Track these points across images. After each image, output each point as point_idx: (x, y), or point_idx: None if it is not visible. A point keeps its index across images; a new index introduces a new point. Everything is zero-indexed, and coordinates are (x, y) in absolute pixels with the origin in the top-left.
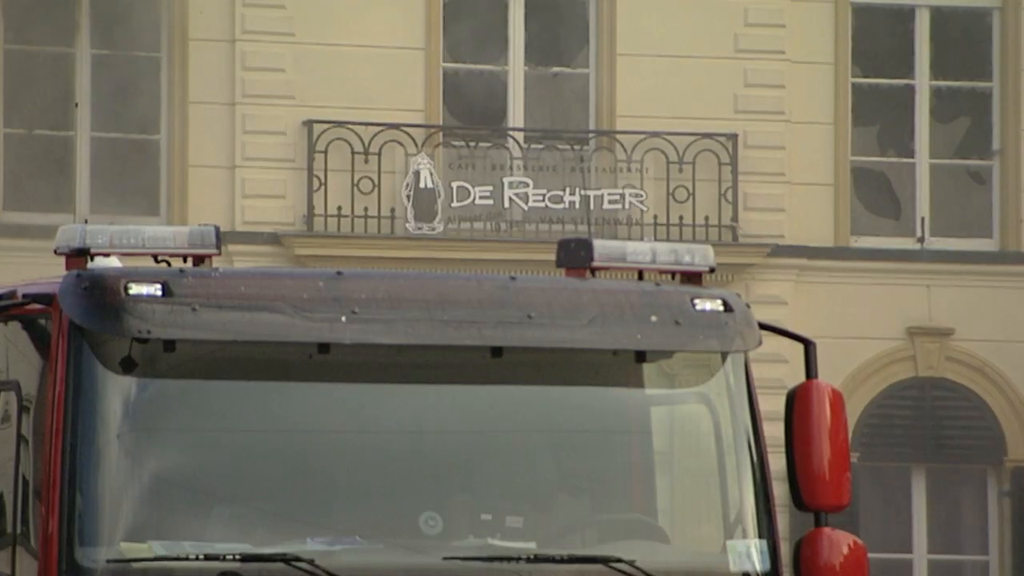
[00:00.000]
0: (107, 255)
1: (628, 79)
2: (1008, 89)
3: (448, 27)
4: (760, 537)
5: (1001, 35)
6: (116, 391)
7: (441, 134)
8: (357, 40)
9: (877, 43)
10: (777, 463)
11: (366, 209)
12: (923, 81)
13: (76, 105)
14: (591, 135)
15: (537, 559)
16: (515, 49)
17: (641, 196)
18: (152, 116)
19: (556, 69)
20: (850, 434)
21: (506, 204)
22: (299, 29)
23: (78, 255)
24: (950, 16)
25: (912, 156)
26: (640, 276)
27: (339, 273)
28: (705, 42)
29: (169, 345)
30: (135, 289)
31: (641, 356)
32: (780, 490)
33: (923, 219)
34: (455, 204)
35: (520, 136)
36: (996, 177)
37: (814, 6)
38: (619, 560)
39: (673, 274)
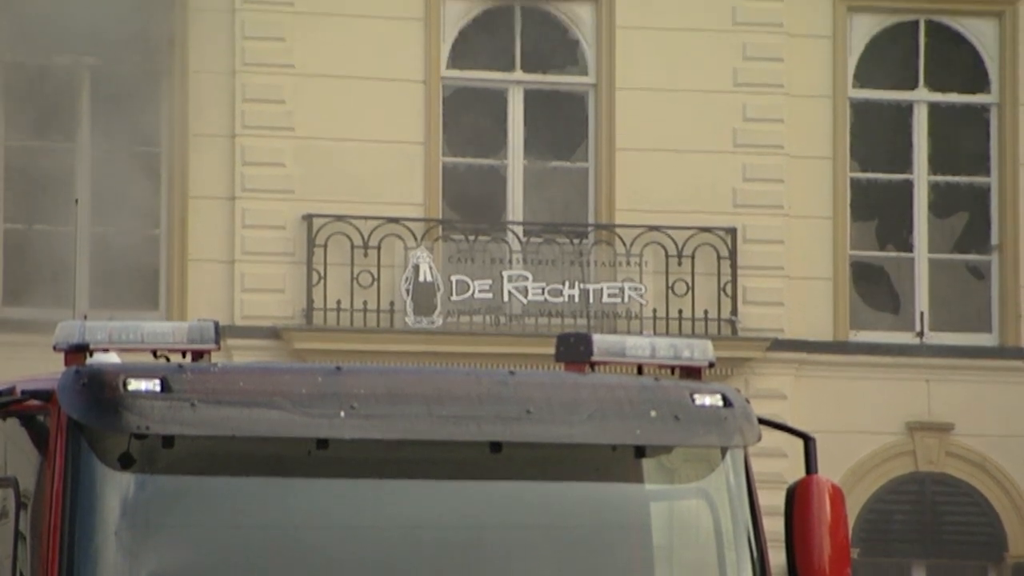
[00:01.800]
0: (106, 351)
1: (627, 173)
2: (1006, 184)
3: (448, 121)
4: None
5: (999, 131)
6: (114, 487)
7: (440, 227)
8: (357, 134)
9: (875, 138)
10: (777, 558)
11: (365, 303)
12: (921, 176)
13: (76, 201)
14: (590, 228)
15: None
16: (514, 143)
17: (640, 289)
18: (152, 210)
19: (555, 163)
20: (850, 529)
21: (505, 297)
22: (299, 123)
23: (77, 351)
24: (948, 111)
25: (911, 251)
26: (639, 371)
27: (338, 368)
28: (704, 136)
29: (168, 441)
30: (134, 385)
31: (640, 451)
32: None
33: (922, 314)
34: (454, 297)
35: (519, 229)
36: (995, 272)
37: (812, 101)
38: None
39: (672, 369)
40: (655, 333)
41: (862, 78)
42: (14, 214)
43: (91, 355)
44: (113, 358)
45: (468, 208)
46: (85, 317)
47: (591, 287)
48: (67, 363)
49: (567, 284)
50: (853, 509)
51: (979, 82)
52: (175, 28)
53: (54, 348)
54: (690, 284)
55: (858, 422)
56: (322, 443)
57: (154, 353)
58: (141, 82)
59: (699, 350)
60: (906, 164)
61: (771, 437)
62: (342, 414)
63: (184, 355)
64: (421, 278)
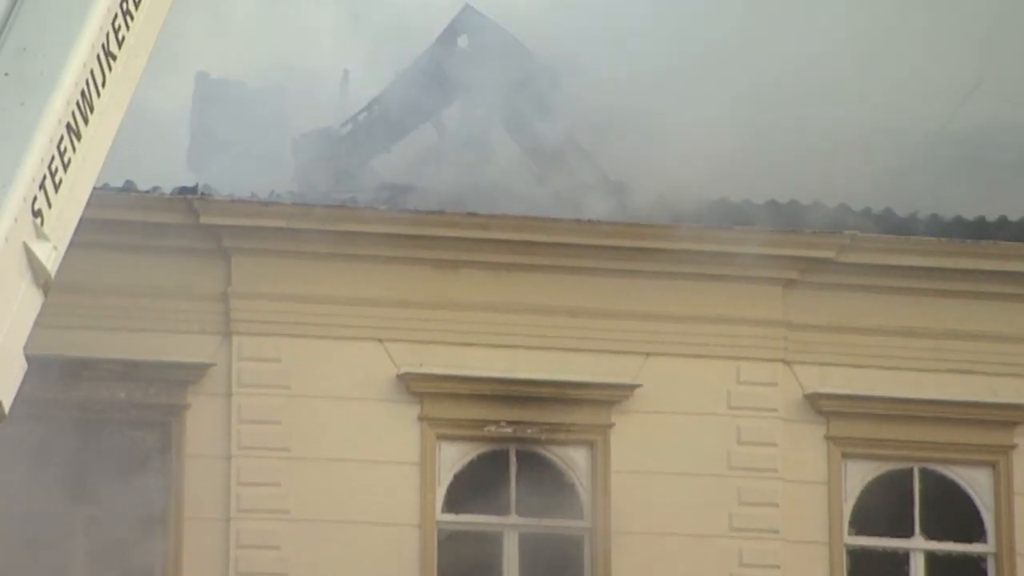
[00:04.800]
0: None
1: None
2: None
3: (442, 564)
4: None
5: None
6: None
7: None
8: None
9: None
10: None
11: None
12: None
13: None
14: None
15: None
16: None
17: None
18: None
19: None
20: None
21: None
22: (293, 570)
23: None
24: (945, 560)
25: None
26: None
27: None
28: None
29: None
30: None
31: None
32: None
33: None
34: None
35: None
36: None
37: (809, 547)
38: None
39: None
40: None
41: (858, 525)
42: None
43: None
44: None
45: None
46: None
47: None
48: None
49: None
50: None
51: (975, 531)
52: (172, 475)
53: None
54: None
55: None
56: None
57: None
58: (135, 529)
59: None
60: None
61: None
62: None
63: None
64: None
